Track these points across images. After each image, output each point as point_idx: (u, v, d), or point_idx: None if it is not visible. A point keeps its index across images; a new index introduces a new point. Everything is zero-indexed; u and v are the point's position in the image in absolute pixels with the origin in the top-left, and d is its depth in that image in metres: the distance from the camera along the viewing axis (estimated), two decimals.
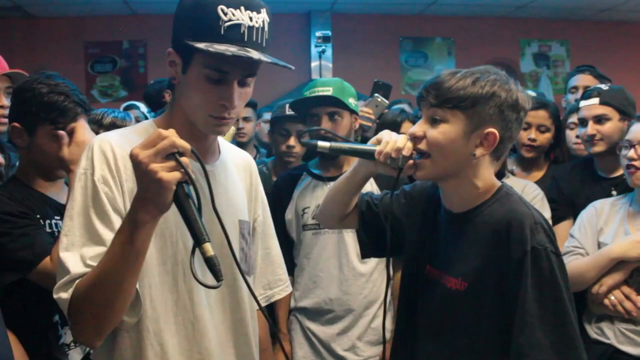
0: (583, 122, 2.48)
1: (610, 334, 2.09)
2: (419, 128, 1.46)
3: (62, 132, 1.77)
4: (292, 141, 2.83)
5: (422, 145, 1.45)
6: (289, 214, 2.46)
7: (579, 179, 2.56)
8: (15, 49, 5.69)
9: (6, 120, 2.17)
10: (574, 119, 2.72)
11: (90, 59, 6.39)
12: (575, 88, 3.27)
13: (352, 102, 2.38)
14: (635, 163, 2.10)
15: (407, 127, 2.95)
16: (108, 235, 1.22)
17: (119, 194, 1.28)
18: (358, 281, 2.37)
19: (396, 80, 6.73)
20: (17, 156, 2.36)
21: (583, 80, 3.25)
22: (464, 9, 6.38)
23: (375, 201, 1.71)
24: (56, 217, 1.83)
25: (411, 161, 1.47)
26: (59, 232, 1.79)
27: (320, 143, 1.52)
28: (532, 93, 3.54)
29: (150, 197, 1.09)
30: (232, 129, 2.24)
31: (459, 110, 1.41)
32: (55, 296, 1.20)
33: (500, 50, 6.60)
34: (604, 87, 2.52)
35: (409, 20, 6.68)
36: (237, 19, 1.27)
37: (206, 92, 1.31)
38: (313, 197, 2.42)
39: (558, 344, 1.33)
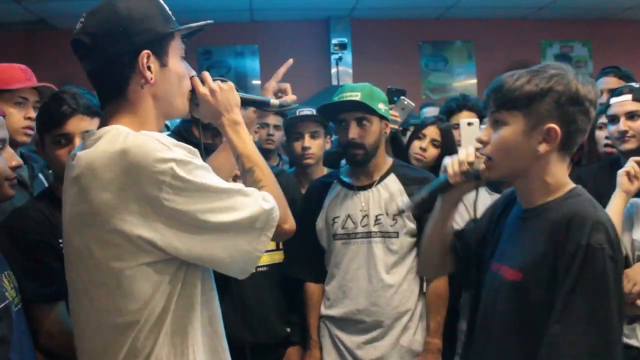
0: (613, 119, 2.44)
1: None
2: (484, 134, 1.52)
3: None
4: (306, 141, 2.81)
5: (487, 150, 1.51)
6: (320, 223, 2.45)
7: (606, 180, 2.52)
8: (40, 61, 5.79)
9: (32, 132, 2.23)
10: (602, 119, 2.69)
11: None
12: (601, 92, 3.23)
13: (381, 107, 2.35)
14: None
15: (431, 130, 2.94)
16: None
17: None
18: (387, 292, 2.34)
19: (416, 84, 6.72)
20: (39, 167, 2.42)
21: (608, 83, 3.21)
22: (484, 11, 6.35)
23: (466, 238, 1.77)
24: None
25: (482, 165, 1.53)
26: None
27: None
28: None
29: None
30: None
31: (516, 110, 1.44)
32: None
33: (521, 52, 6.55)
34: (635, 84, 2.49)
35: (428, 24, 6.67)
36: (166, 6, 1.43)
37: (185, 70, 1.44)
38: (343, 207, 2.41)
39: (594, 348, 1.31)
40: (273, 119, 3.07)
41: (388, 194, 2.39)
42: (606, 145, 2.72)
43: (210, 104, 1.47)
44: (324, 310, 2.45)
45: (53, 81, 2.32)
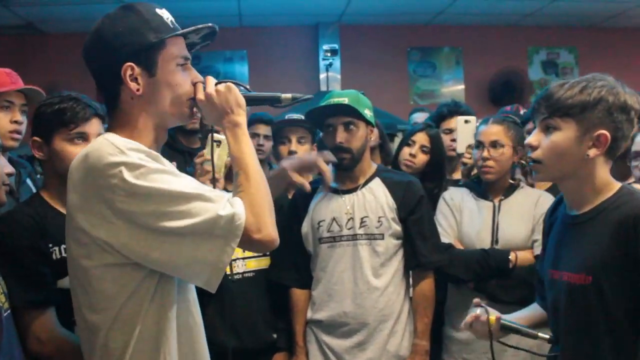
0: None
1: None
2: (534, 138, 1.60)
3: None
4: (293, 146, 2.81)
5: (538, 154, 1.59)
6: (305, 227, 2.45)
7: None
8: (28, 66, 5.77)
9: (19, 136, 2.22)
10: None
11: None
12: None
13: (367, 113, 2.37)
14: None
15: (420, 137, 2.95)
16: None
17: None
18: (372, 295, 2.34)
19: (405, 90, 6.76)
20: (27, 172, 2.40)
21: None
22: (472, 18, 6.40)
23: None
24: None
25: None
26: None
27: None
28: None
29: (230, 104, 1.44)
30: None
31: (569, 117, 1.53)
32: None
33: (508, 58, 6.61)
34: None
35: (416, 30, 6.71)
36: (168, 16, 1.44)
37: (181, 77, 1.43)
38: (328, 210, 2.41)
39: None
40: (263, 129, 3.07)
41: (373, 196, 2.40)
42: None
43: (209, 108, 1.46)
44: (310, 315, 2.45)
45: (41, 85, 2.31)
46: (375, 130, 2.53)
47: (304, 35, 6.45)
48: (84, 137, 1.86)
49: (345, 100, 2.33)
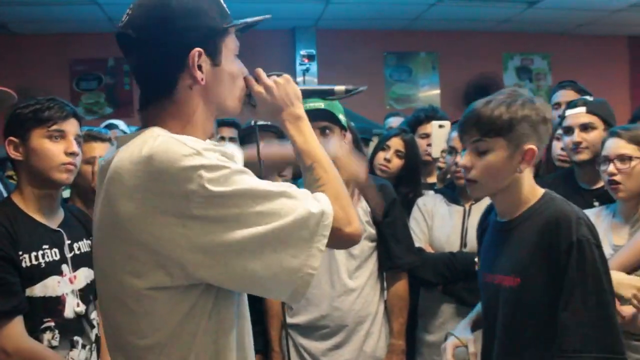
0: (568, 131, 2.50)
1: None
2: (467, 160, 1.67)
3: None
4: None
5: (473, 175, 1.67)
6: None
7: (560, 191, 2.56)
8: (0, 67, 5.67)
9: None
10: (559, 131, 2.74)
11: (75, 76, 6.37)
12: (558, 104, 3.28)
13: (342, 118, 2.38)
14: (616, 178, 2.13)
15: (395, 142, 2.97)
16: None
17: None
18: (349, 297, 2.37)
19: (381, 94, 6.78)
20: None
21: (565, 95, 3.28)
22: (448, 23, 6.44)
23: None
24: (44, 247, 1.82)
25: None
26: (45, 262, 1.80)
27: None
28: None
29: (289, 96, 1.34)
30: None
31: (499, 137, 1.61)
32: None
33: (483, 63, 6.67)
34: (590, 98, 2.57)
35: (393, 35, 6.73)
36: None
37: (239, 69, 1.33)
38: None
39: (598, 329, 1.51)
40: (227, 132, 3.05)
41: None
42: (560, 156, 2.79)
43: (267, 101, 1.34)
44: (288, 319, 2.45)
45: (12, 87, 2.27)
46: (349, 135, 2.53)
47: (281, 39, 6.44)
48: (62, 135, 1.86)
49: (321, 105, 2.33)
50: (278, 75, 1.36)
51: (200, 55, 1.21)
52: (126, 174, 1.12)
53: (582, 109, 2.47)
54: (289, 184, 1.20)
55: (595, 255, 1.56)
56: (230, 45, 1.29)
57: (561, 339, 1.53)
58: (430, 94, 6.86)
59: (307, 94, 1.47)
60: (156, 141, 1.13)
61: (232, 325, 1.22)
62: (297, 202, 1.14)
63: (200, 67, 1.22)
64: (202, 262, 1.11)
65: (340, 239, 1.20)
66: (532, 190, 1.70)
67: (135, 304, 1.15)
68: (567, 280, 1.54)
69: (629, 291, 1.96)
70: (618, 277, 1.97)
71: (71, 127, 1.89)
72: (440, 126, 2.90)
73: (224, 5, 1.30)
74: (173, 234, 1.09)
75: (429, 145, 3.06)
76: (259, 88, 1.34)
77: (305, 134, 1.33)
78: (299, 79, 6.34)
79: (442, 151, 2.84)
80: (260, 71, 1.36)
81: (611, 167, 2.14)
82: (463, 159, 1.67)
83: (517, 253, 1.66)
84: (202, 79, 1.22)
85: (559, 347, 1.53)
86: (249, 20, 1.32)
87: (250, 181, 1.14)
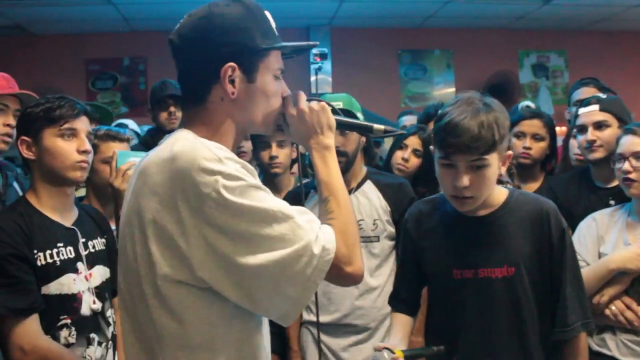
0: (582, 129, 2.48)
1: (612, 345, 2.08)
2: (466, 180, 1.65)
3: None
4: (274, 151, 2.77)
5: (471, 192, 1.67)
6: None
7: (576, 189, 2.56)
8: (16, 67, 5.72)
9: (10, 139, 2.20)
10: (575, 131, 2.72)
11: (91, 76, 6.43)
12: (580, 101, 3.26)
13: (360, 116, 2.38)
14: (631, 175, 2.11)
15: (412, 140, 2.95)
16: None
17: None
18: (371, 295, 2.40)
19: (396, 93, 6.76)
20: (14, 175, 2.38)
21: (587, 93, 3.22)
22: (462, 21, 6.41)
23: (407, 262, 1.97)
24: (59, 245, 1.83)
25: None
26: (60, 260, 1.81)
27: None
28: (530, 104, 3.55)
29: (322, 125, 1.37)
30: None
31: (495, 152, 1.65)
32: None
33: (498, 61, 6.63)
34: (603, 95, 2.54)
35: (407, 33, 6.72)
36: (272, 20, 1.35)
37: (276, 89, 1.35)
38: None
39: (585, 300, 1.77)
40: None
41: (366, 199, 2.42)
42: (577, 155, 2.76)
43: (298, 125, 1.37)
44: (306, 317, 2.45)
45: (28, 87, 2.30)
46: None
47: (295, 37, 6.44)
48: (74, 134, 1.87)
49: (340, 105, 2.33)
50: (319, 101, 1.39)
51: (233, 70, 1.26)
52: (152, 172, 1.19)
53: (596, 107, 2.44)
54: (304, 208, 1.24)
55: (572, 239, 1.81)
56: (271, 65, 1.32)
57: (564, 314, 1.71)
58: (445, 92, 6.83)
59: (344, 127, 1.52)
60: (183, 142, 1.20)
61: (256, 333, 1.27)
62: (302, 232, 1.17)
63: (233, 82, 1.27)
64: (205, 263, 1.15)
65: (338, 276, 1.23)
66: (496, 187, 1.78)
67: (153, 297, 1.19)
68: (564, 261, 1.71)
69: (635, 263, 2.04)
70: (623, 254, 2.08)
71: (83, 125, 1.90)
72: None
73: (273, 27, 1.34)
74: (185, 229, 1.14)
75: None
76: (292, 111, 1.37)
77: (329, 166, 1.35)
78: (311, 78, 6.34)
79: None
80: (301, 94, 1.39)
81: (626, 165, 2.11)
82: (463, 180, 1.65)
83: (507, 244, 1.72)
84: (232, 93, 1.27)
85: (564, 320, 1.71)
86: (292, 44, 1.37)
87: (264, 199, 1.17)
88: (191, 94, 1.31)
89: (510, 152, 1.75)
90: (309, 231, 1.18)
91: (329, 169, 1.35)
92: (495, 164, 1.67)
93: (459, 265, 1.75)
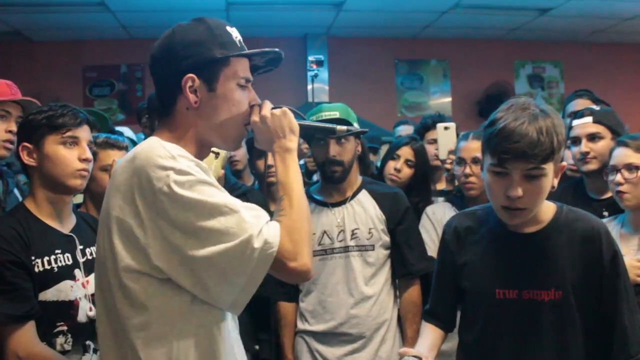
0: (576, 141, 2.50)
1: None
2: (519, 190, 1.54)
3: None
4: (270, 159, 2.76)
5: (523, 203, 1.56)
6: None
7: (570, 201, 2.56)
8: (14, 73, 5.72)
9: (12, 146, 2.21)
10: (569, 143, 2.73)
11: (88, 83, 6.43)
12: (574, 113, 3.27)
13: (356, 126, 2.40)
14: (623, 188, 2.13)
15: (405, 151, 2.96)
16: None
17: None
18: (366, 304, 2.39)
19: (392, 102, 6.79)
20: (15, 182, 2.38)
21: (581, 104, 3.25)
22: (459, 31, 6.45)
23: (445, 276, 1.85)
24: (57, 251, 1.83)
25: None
26: (58, 267, 1.81)
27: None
28: None
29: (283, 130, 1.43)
30: (224, 152, 2.22)
31: (551, 161, 1.54)
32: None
33: (495, 72, 6.66)
34: (596, 107, 2.56)
35: (404, 43, 6.75)
36: (237, 35, 1.44)
37: (240, 97, 1.42)
38: (318, 223, 2.43)
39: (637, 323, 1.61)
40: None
41: (362, 208, 2.43)
42: (571, 166, 2.77)
43: (262, 131, 1.45)
44: (301, 326, 2.45)
45: (27, 94, 2.30)
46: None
47: (292, 46, 6.47)
48: (76, 142, 1.89)
49: (336, 114, 2.36)
50: (281, 107, 1.46)
51: (193, 80, 1.37)
52: (119, 171, 1.31)
53: (589, 119, 2.46)
54: (254, 205, 1.32)
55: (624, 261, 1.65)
56: (233, 74, 1.41)
57: (625, 343, 1.58)
58: (441, 101, 6.86)
59: (309, 129, 1.56)
60: (143, 143, 1.33)
61: (220, 329, 1.34)
62: (247, 226, 1.24)
63: (195, 92, 1.38)
64: (161, 254, 1.24)
65: (282, 270, 1.28)
66: (546, 202, 1.66)
67: (117, 289, 1.28)
68: (616, 287, 1.58)
69: (630, 275, 1.97)
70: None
71: (84, 133, 1.91)
72: (446, 128, 2.93)
73: (236, 40, 1.42)
74: (143, 221, 1.24)
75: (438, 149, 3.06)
76: (255, 118, 1.45)
77: (288, 167, 1.43)
78: (308, 87, 6.36)
79: (449, 152, 2.84)
80: (266, 102, 1.47)
81: (618, 177, 2.13)
82: (517, 190, 1.54)
83: (555, 265, 1.60)
84: (195, 102, 1.38)
85: (625, 350, 1.58)
86: (253, 51, 1.44)
87: (212, 194, 1.26)
88: (162, 105, 1.42)
89: (564, 163, 1.63)
90: (253, 225, 1.25)
91: (288, 170, 1.42)
92: (550, 175, 1.56)
93: (502, 284, 1.65)
